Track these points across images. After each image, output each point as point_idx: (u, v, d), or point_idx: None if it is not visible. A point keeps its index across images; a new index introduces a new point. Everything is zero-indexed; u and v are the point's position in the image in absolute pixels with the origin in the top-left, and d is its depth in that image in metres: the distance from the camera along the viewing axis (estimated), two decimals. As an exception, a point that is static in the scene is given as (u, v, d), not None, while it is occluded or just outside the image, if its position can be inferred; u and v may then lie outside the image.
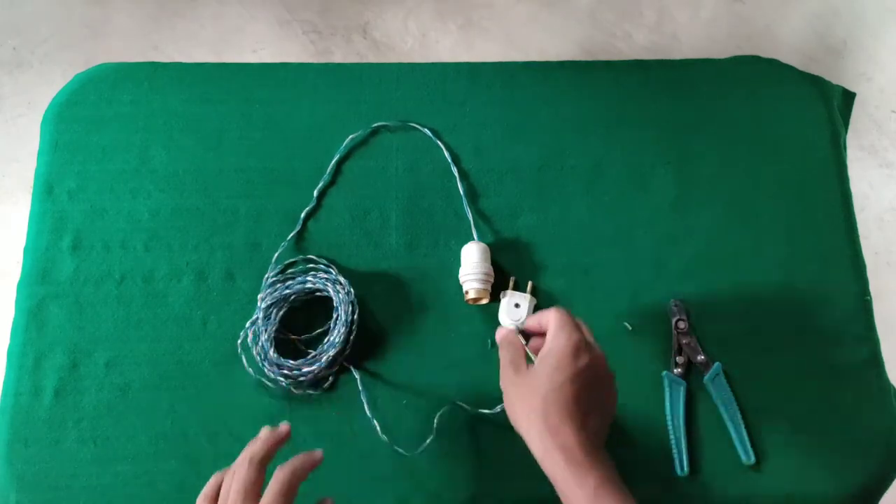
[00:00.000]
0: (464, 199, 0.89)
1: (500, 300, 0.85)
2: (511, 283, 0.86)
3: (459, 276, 0.85)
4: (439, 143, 0.91)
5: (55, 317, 0.85)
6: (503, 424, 0.81)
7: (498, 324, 0.84)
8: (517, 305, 0.84)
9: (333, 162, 0.91)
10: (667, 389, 0.82)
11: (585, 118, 0.94)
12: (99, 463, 0.80)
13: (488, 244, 0.88)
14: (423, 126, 0.93)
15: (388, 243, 0.89)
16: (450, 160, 0.90)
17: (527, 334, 0.74)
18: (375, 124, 0.93)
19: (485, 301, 0.85)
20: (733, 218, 0.90)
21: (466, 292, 0.84)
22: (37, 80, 1.45)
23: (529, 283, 0.86)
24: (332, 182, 0.91)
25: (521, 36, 1.49)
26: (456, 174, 0.90)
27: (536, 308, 0.85)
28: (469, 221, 0.89)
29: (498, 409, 0.80)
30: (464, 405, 0.81)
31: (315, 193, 0.90)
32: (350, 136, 0.92)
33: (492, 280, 0.85)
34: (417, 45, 1.49)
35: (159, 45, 1.48)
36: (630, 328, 0.85)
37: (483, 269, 0.84)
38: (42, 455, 0.80)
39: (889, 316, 1.04)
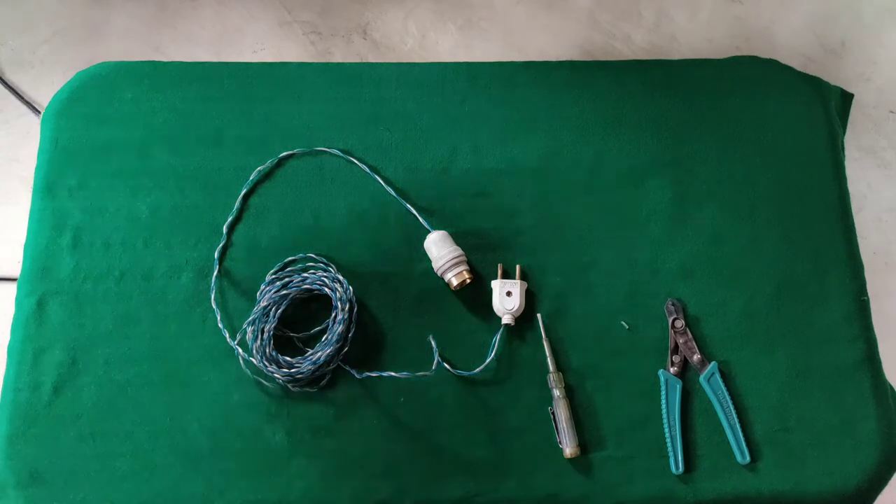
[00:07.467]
0: (397, 198, 0.90)
1: (480, 275, 0.86)
2: (500, 271, 0.86)
3: (435, 270, 0.86)
4: (352, 159, 0.91)
5: (55, 313, 0.85)
6: (506, 419, 0.82)
7: (495, 316, 0.85)
8: (509, 294, 0.84)
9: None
10: (663, 388, 0.82)
11: (584, 118, 0.95)
12: (98, 459, 0.80)
13: (486, 243, 0.88)
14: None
15: (387, 242, 0.89)
16: (368, 171, 0.91)
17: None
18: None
19: (469, 280, 0.85)
20: (730, 218, 0.90)
21: (449, 282, 0.85)
22: (37, 80, 1.45)
23: (518, 267, 0.87)
24: (331, 182, 0.92)
25: (520, 37, 1.50)
26: (381, 181, 0.90)
27: (528, 292, 0.86)
28: (416, 217, 0.89)
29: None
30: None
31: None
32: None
33: (464, 257, 0.85)
34: (417, 46, 1.49)
35: (160, 46, 1.49)
36: (627, 327, 0.85)
37: (451, 254, 0.84)
38: (41, 450, 0.80)
39: (888, 316, 1.04)
